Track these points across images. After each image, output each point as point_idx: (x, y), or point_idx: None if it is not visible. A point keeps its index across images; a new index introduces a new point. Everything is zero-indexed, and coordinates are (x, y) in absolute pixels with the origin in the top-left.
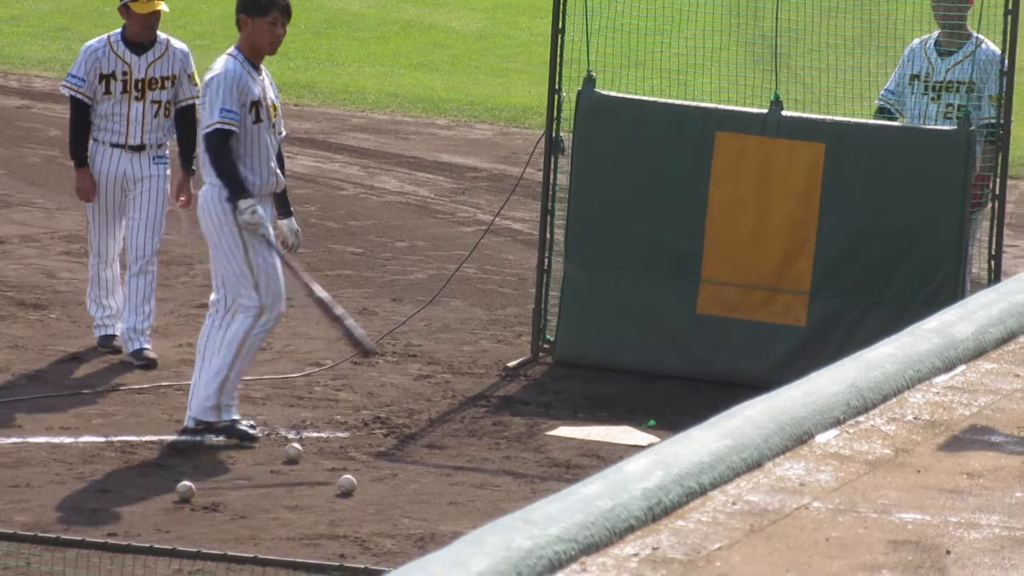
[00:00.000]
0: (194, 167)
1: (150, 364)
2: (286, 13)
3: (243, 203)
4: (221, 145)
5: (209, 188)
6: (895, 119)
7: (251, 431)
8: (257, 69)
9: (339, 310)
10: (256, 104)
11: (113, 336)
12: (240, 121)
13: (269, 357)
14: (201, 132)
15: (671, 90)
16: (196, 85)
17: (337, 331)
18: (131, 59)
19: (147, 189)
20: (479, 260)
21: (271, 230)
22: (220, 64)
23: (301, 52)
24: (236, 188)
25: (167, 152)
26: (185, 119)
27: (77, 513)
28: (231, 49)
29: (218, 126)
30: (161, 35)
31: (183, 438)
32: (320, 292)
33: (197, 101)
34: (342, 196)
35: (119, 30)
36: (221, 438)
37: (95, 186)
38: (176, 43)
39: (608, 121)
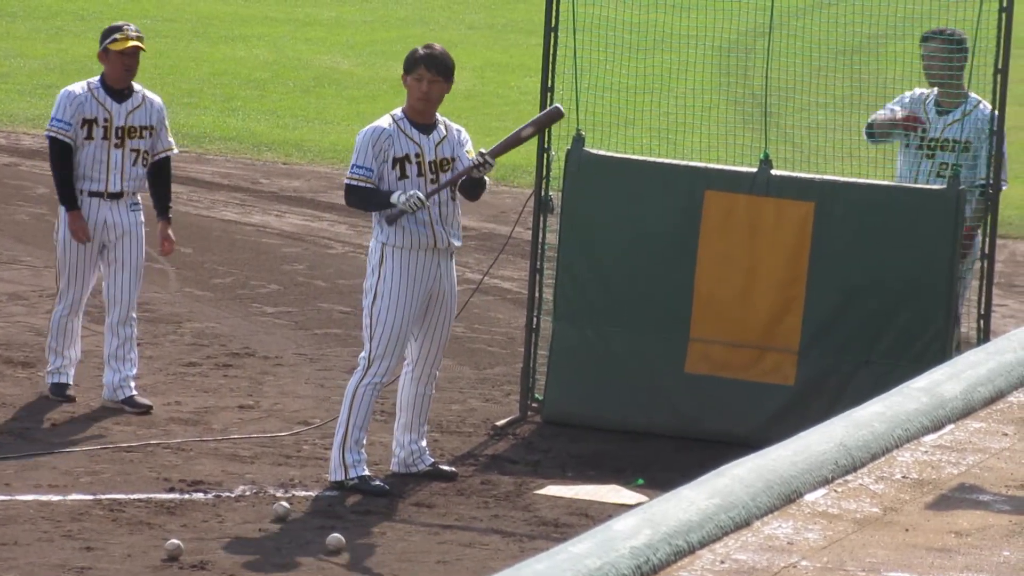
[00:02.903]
0: (170, 215)
1: (146, 409)
2: (433, 69)
3: (394, 198)
4: (352, 196)
5: (372, 238)
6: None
7: (383, 487)
8: (423, 127)
9: (524, 131)
10: (401, 161)
11: (67, 385)
12: (383, 177)
13: (257, 416)
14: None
15: (660, 149)
16: (171, 138)
17: (528, 132)
18: (112, 106)
19: (127, 238)
20: (468, 319)
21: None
22: (371, 124)
23: (290, 110)
24: (383, 205)
25: (140, 200)
26: (161, 171)
27: (65, 571)
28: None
29: (346, 182)
30: (137, 86)
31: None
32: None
33: (171, 153)
34: (331, 255)
35: (97, 78)
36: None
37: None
38: (151, 95)
39: (597, 180)
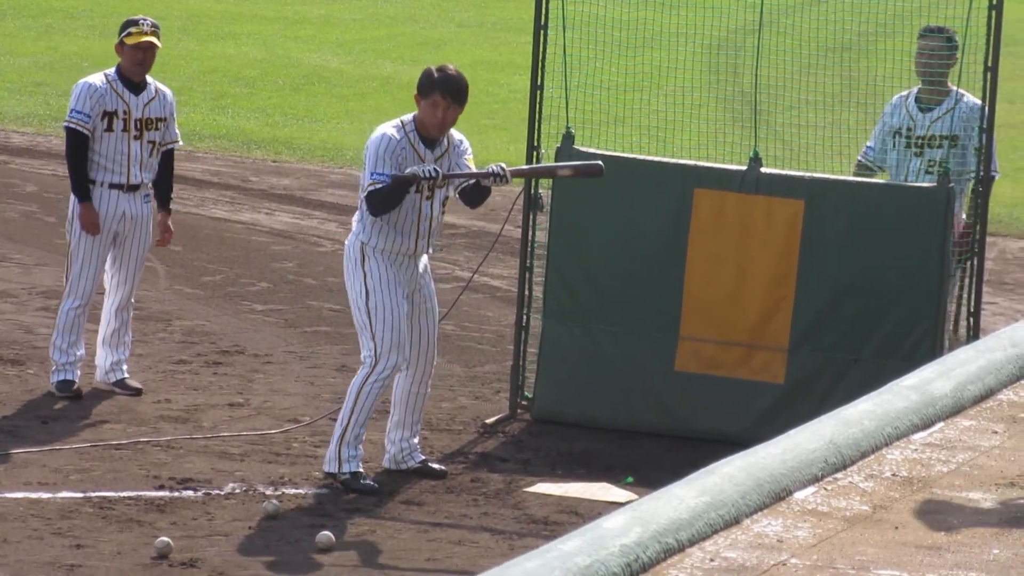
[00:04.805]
0: (170, 207)
1: (138, 392)
2: (449, 96)
3: (413, 171)
4: (376, 196)
5: (351, 236)
6: (875, 176)
7: (372, 485)
8: (430, 142)
9: (560, 170)
10: None
11: (72, 382)
12: None
13: (247, 414)
14: (361, 195)
15: (650, 147)
16: (178, 130)
17: (564, 173)
18: (130, 98)
19: (139, 227)
20: (458, 317)
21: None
22: (379, 130)
23: (279, 108)
24: (404, 181)
25: (150, 190)
26: (167, 161)
27: (55, 569)
28: (408, 115)
29: (369, 189)
30: (149, 78)
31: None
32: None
33: (177, 144)
34: (320, 253)
35: (113, 69)
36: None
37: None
38: (163, 86)
39: (587, 178)
